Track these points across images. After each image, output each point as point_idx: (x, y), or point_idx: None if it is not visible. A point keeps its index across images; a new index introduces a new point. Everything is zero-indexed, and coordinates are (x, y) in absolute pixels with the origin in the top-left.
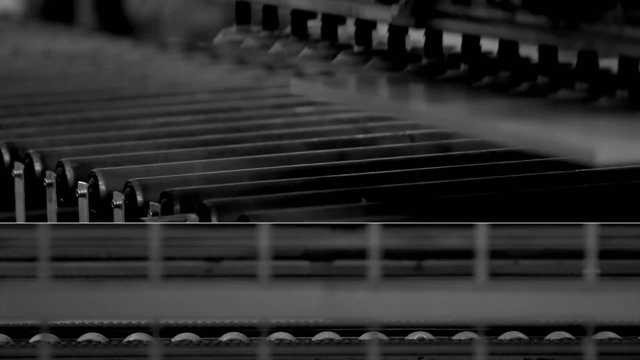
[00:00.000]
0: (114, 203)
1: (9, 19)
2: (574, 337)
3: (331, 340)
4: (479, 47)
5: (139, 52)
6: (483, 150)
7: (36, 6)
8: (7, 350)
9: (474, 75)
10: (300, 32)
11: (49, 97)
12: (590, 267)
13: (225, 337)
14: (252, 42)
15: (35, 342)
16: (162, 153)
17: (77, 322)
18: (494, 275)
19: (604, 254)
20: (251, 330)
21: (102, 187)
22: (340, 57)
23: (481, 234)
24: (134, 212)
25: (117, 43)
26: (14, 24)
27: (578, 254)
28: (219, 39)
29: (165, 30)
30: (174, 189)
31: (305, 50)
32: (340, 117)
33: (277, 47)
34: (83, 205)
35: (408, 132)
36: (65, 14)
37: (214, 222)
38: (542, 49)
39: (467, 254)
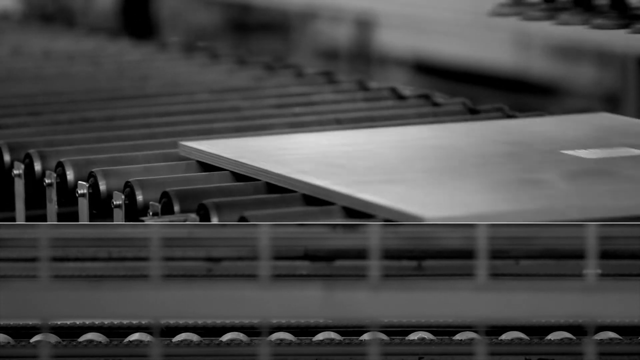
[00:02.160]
0: (114, 203)
1: (9, 19)
2: (574, 337)
3: (331, 340)
4: None
5: (139, 52)
6: None
7: (36, 6)
8: (7, 350)
9: None
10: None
11: (49, 97)
12: (590, 267)
13: (226, 337)
14: (534, 14)
15: (35, 342)
16: (162, 153)
17: (77, 322)
18: (494, 275)
19: (604, 254)
20: (251, 330)
21: (102, 187)
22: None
23: (481, 234)
24: (134, 212)
25: (117, 43)
26: (14, 24)
27: (578, 254)
28: (494, 12)
29: (165, 30)
30: (174, 188)
31: (597, 21)
32: (340, 117)
33: (563, 18)
34: (83, 205)
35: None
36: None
37: (214, 222)
38: None
39: (467, 254)
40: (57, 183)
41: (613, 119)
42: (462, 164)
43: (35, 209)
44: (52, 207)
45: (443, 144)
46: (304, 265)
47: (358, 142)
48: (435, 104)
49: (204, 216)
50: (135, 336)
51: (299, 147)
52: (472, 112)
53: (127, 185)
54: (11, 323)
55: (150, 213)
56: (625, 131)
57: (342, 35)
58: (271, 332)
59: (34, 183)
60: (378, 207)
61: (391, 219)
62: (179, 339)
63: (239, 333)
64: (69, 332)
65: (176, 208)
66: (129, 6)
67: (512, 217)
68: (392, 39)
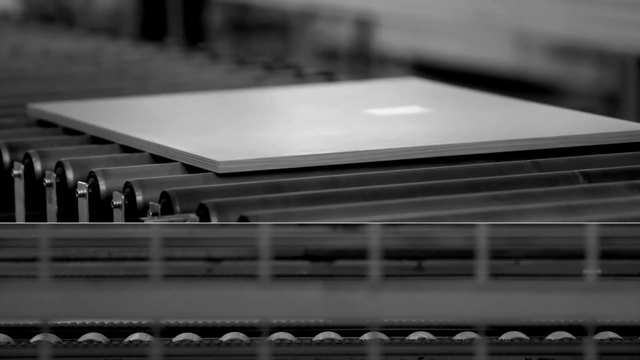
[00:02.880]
0: (114, 203)
1: (8, 19)
2: (574, 337)
3: (331, 340)
4: None
5: (139, 52)
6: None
7: (36, 6)
8: (7, 350)
9: None
10: None
11: (49, 97)
12: (590, 267)
13: (226, 337)
14: None
15: (35, 342)
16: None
17: (77, 322)
18: (494, 275)
19: (604, 254)
20: (251, 330)
21: (102, 187)
22: None
23: (481, 234)
24: (134, 212)
25: (117, 43)
26: (14, 24)
27: (578, 254)
28: None
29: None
30: (174, 188)
31: None
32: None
33: None
34: (83, 205)
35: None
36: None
37: (214, 222)
38: None
39: (467, 254)
40: (57, 183)
41: (419, 84)
42: (271, 120)
43: (36, 209)
44: (52, 207)
45: (264, 105)
46: (304, 265)
47: (188, 102)
48: None
49: (204, 216)
50: (135, 336)
51: (134, 108)
52: None
53: (127, 185)
54: (11, 323)
55: (150, 213)
56: (425, 94)
57: (342, 35)
58: (271, 332)
59: (34, 183)
60: (180, 153)
61: (190, 164)
62: (179, 339)
63: (239, 333)
64: (69, 332)
65: (176, 208)
66: (148, 11)
67: (298, 161)
68: (392, 39)
